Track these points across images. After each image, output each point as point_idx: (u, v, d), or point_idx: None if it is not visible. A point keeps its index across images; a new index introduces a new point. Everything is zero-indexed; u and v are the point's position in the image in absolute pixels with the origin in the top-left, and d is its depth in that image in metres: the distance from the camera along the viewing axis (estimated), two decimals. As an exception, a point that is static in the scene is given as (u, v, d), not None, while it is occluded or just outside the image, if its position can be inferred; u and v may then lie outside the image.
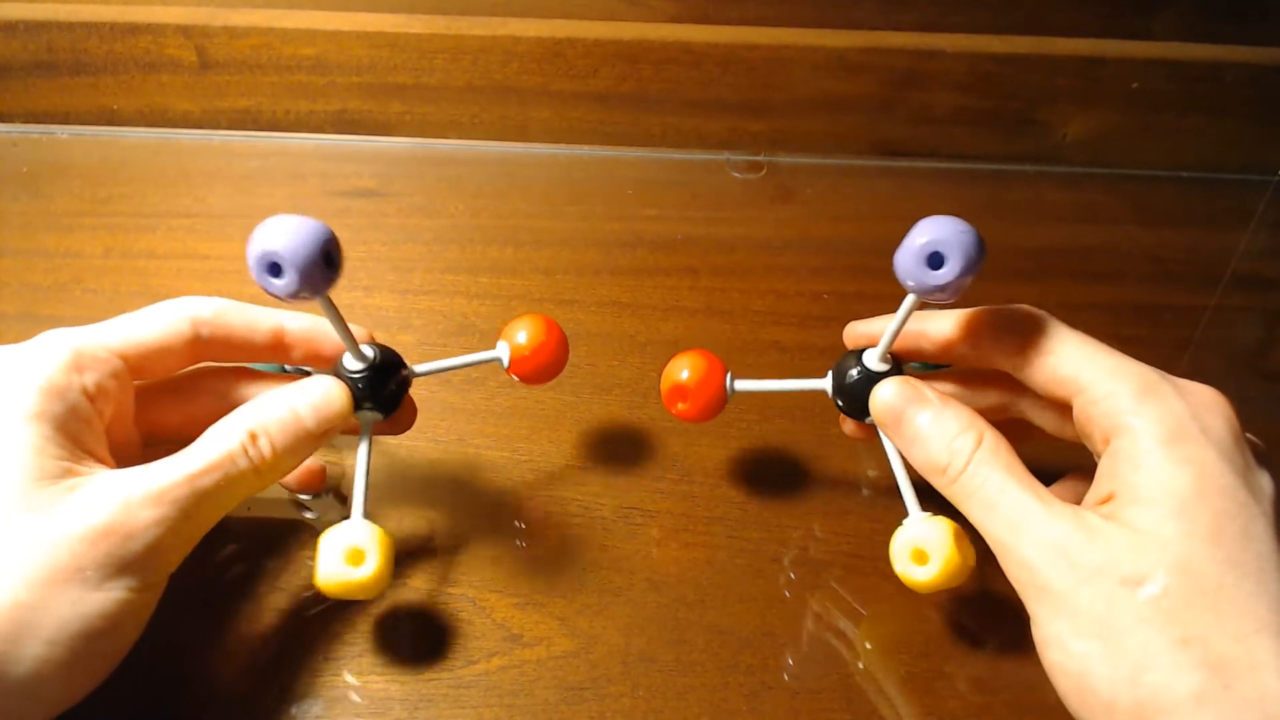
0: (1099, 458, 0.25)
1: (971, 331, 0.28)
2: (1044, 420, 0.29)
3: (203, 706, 0.27)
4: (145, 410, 0.28)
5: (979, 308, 0.28)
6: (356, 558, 0.26)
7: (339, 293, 0.25)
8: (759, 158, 0.54)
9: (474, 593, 0.31)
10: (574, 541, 0.32)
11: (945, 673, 0.29)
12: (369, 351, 0.28)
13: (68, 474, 0.24)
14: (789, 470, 0.35)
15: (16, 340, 0.25)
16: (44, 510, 0.23)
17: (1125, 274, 0.47)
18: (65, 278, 0.43)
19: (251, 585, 0.30)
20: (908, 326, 0.27)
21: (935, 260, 0.24)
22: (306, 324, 0.29)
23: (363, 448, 0.29)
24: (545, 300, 0.43)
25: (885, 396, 0.28)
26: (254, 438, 0.25)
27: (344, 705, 0.27)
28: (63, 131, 0.53)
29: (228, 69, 0.51)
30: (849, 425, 0.32)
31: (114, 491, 0.23)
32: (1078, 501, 0.25)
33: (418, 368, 0.30)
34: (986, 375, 0.29)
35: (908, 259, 0.24)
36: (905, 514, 0.28)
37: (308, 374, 0.29)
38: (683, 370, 0.31)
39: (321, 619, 0.30)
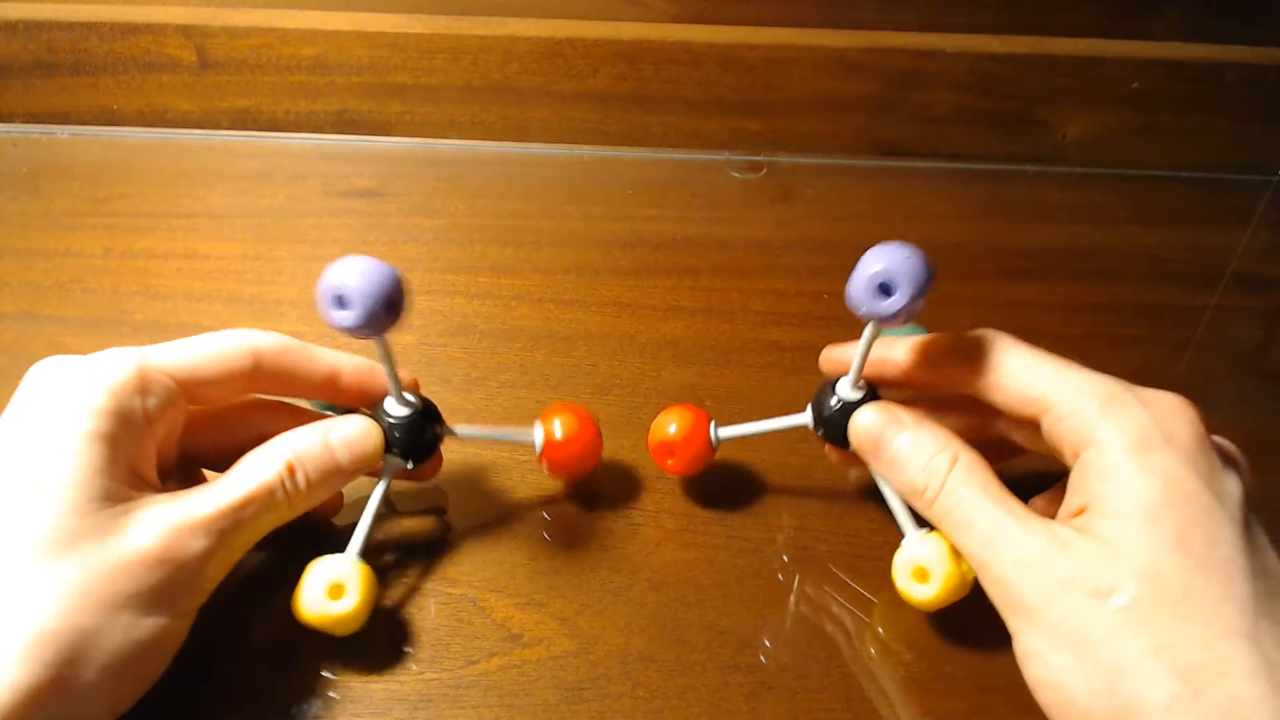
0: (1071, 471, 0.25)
1: (931, 359, 0.28)
2: (1021, 437, 0.30)
3: (203, 706, 0.27)
4: (185, 434, 0.28)
5: (938, 334, 0.29)
6: (337, 591, 0.27)
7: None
8: (759, 158, 0.54)
9: (474, 593, 0.31)
10: (574, 542, 0.32)
11: (945, 673, 0.29)
12: (412, 399, 0.29)
13: (122, 498, 0.24)
14: (789, 470, 0.35)
15: (16, 340, 0.25)
16: (101, 535, 0.23)
17: (1125, 274, 0.47)
18: (65, 278, 0.43)
19: (251, 584, 0.30)
20: (873, 354, 0.28)
21: (886, 289, 0.25)
22: (362, 368, 0.29)
23: (379, 489, 0.29)
24: (545, 300, 0.43)
25: (862, 423, 0.28)
26: (292, 470, 0.26)
27: (344, 705, 0.27)
28: (63, 131, 0.53)
29: (228, 69, 0.51)
30: (834, 454, 0.32)
31: (166, 519, 0.24)
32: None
33: (457, 429, 0.31)
34: (961, 397, 0.29)
35: (859, 290, 0.25)
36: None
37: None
38: (669, 425, 0.32)
39: (321, 619, 0.29)
